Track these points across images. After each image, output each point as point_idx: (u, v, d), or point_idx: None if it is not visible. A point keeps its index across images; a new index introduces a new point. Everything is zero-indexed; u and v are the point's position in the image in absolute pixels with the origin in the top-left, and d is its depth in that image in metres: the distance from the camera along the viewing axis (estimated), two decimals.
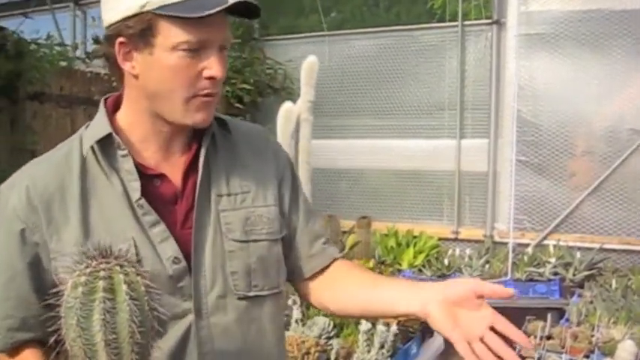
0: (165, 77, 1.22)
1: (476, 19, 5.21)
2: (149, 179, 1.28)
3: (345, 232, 4.46)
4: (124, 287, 0.97)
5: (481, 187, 5.14)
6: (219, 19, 1.20)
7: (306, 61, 3.36)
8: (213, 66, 1.21)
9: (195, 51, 1.20)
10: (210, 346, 1.27)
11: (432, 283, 1.25)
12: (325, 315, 3.07)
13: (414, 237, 4.94)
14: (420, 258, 4.64)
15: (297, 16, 6.53)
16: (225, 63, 1.25)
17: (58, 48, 3.83)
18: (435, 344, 3.57)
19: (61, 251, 1.22)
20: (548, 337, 3.11)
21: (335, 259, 1.47)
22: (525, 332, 3.22)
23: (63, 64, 4.04)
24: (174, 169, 1.32)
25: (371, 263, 3.32)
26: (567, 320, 3.40)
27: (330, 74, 5.59)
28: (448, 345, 3.60)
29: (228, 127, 1.40)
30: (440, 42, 5.31)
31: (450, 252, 4.86)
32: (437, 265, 4.55)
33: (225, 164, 1.36)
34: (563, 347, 2.96)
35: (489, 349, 1.11)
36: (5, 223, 1.26)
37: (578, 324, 3.27)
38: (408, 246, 4.75)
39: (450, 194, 5.25)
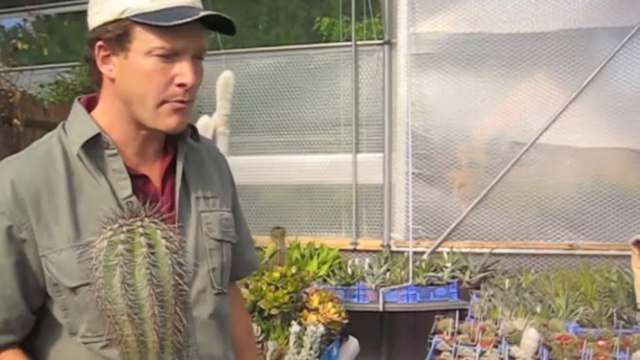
0: (139, 81, 1.27)
1: (368, 39, 5.46)
2: (133, 179, 1.32)
3: None
4: (164, 242, 0.99)
5: (377, 199, 5.36)
6: (194, 29, 1.26)
7: (222, 76, 3.43)
8: (185, 73, 1.27)
9: (169, 57, 1.26)
10: (193, 339, 1.32)
11: None
12: (251, 321, 3.13)
13: (316, 249, 5.07)
14: (324, 268, 4.77)
15: None
16: (199, 72, 1.32)
17: None
18: (351, 347, 3.71)
19: (52, 247, 1.23)
20: (459, 333, 3.31)
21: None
22: (437, 329, 3.43)
23: None
24: (152, 172, 1.38)
25: (293, 269, 3.42)
26: (472, 317, 3.63)
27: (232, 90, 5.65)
28: (363, 347, 3.75)
29: (198, 135, 1.49)
30: (334, 61, 5.51)
31: (350, 262, 5.03)
32: (341, 275, 4.70)
33: (197, 170, 1.46)
34: (473, 340, 3.18)
35: None
36: None
37: (483, 320, 3.50)
38: (311, 257, 4.88)
39: (348, 207, 5.43)
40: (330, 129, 5.51)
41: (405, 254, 4.92)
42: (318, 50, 5.60)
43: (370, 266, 4.84)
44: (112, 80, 1.31)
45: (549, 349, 3.06)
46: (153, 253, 0.99)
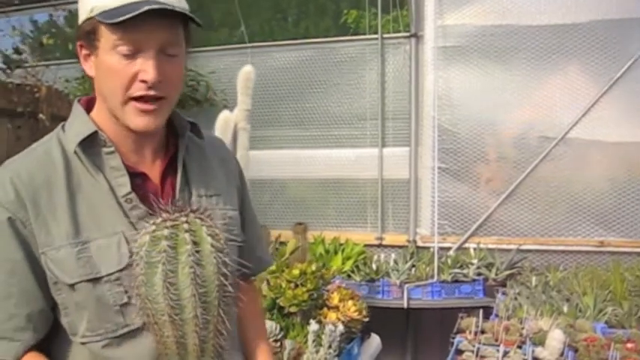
0: (107, 78, 1.27)
1: (395, 32, 5.39)
2: (131, 177, 1.32)
3: (272, 242, 4.51)
4: (209, 239, 0.93)
5: (403, 193, 5.30)
6: (153, 23, 1.23)
7: (242, 70, 3.41)
8: (146, 69, 1.25)
9: (132, 54, 1.25)
10: None
11: None
12: (271, 318, 3.12)
13: (341, 244, 5.04)
14: (349, 264, 4.74)
15: (207, 30, 6.51)
16: (170, 68, 1.29)
17: None
18: (373, 344, 3.67)
19: (51, 245, 1.24)
20: (482, 332, 3.26)
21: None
22: (460, 328, 3.37)
23: None
24: (151, 169, 1.38)
25: (313, 266, 3.39)
26: (496, 316, 3.57)
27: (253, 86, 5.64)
28: (387, 344, 3.69)
29: (200, 131, 1.47)
30: (360, 54, 5.46)
31: (375, 257, 4.99)
32: (365, 270, 4.67)
33: (199, 167, 1.44)
34: (497, 340, 3.12)
35: None
36: None
37: (508, 319, 3.44)
38: (335, 253, 4.85)
39: (374, 201, 5.38)
40: (356, 123, 5.46)
41: (431, 250, 4.87)
42: (345, 43, 5.54)
43: (395, 262, 4.79)
44: (93, 78, 1.34)
45: (575, 350, 2.99)
46: (198, 251, 0.94)
